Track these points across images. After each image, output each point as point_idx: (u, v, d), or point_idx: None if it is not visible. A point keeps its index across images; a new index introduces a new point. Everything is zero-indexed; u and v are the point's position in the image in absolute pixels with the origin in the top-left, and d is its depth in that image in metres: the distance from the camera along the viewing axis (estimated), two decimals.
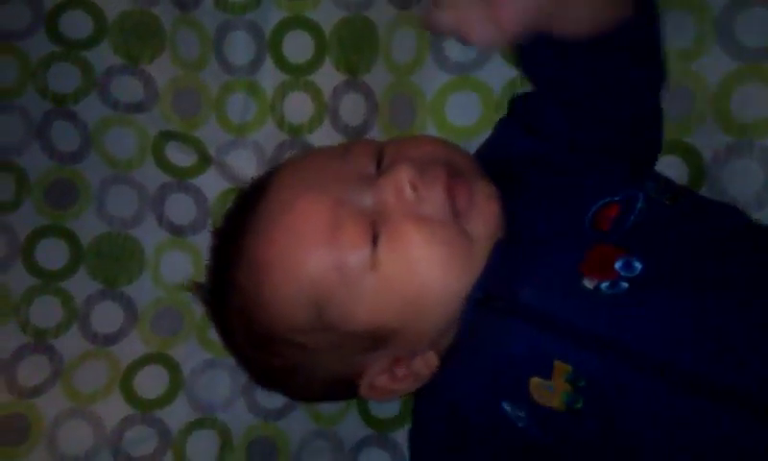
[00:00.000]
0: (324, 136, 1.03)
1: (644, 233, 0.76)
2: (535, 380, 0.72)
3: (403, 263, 0.74)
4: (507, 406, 0.74)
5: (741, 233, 0.78)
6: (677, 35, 0.87)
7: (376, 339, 0.79)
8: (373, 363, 0.81)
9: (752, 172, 0.87)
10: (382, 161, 0.78)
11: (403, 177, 0.74)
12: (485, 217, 0.76)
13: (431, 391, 0.81)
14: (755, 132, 0.87)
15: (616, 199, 0.77)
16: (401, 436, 0.96)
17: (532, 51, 0.75)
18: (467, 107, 0.96)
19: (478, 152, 0.88)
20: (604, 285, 0.72)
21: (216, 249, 0.90)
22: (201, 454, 1.01)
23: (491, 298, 0.76)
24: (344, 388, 0.84)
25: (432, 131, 0.96)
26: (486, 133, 0.91)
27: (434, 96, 0.97)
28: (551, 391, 0.71)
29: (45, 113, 1.03)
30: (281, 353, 0.82)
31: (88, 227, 1.04)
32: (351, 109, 1.02)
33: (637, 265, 0.72)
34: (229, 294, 0.85)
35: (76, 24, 1.03)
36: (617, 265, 0.72)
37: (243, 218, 0.82)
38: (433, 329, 0.78)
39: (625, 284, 0.71)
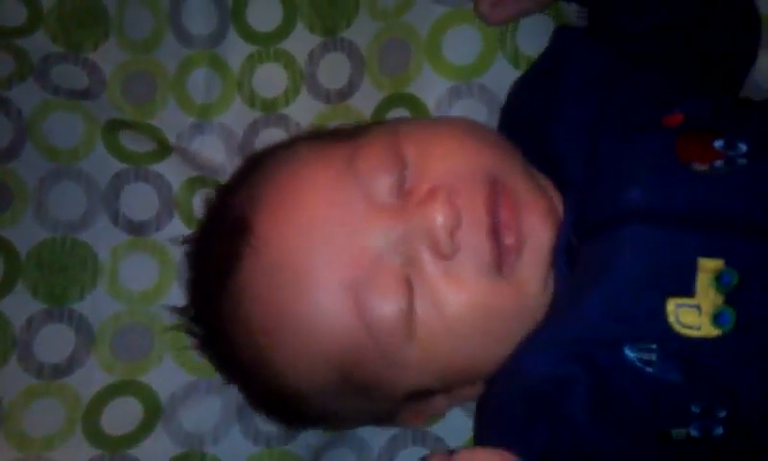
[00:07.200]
0: (303, 107, 0.90)
1: (727, 122, 0.67)
2: (673, 302, 0.60)
3: (444, 334, 0.65)
4: (630, 352, 0.61)
5: None
6: None
7: (417, 394, 0.71)
8: (411, 407, 0.73)
9: None
10: (404, 173, 0.67)
11: (437, 222, 0.63)
12: (535, 238, 0.66)
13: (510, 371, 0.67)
14: None
15: (677, 109, 0.69)
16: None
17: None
18: (466, 41, 0.84)
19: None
20: (718, 163, 0.62)
21: (197, 284, 0.77)
22: None
23: (587, 229, 0.66)
24: (379, 422, 0.77)
25: (429, 72, 0.83)
26: (487, 71, 0.83)
27: (429, 33, 0.84)
28: (697, 312, 0.59)
29: None
30: (296, 407, 0.72)
31: (26, 234, 0.83)
32: (332, 71, 0.89)
33: (741, 145, 0.63)
34: (223, 344, 0.74)
35: (6, 13, 0.89)
36: (717, 145, 0.64)
37: (228, 266, 0.69)
38: (487, 373, 0.69)
39: (743, 160, 0.62)
